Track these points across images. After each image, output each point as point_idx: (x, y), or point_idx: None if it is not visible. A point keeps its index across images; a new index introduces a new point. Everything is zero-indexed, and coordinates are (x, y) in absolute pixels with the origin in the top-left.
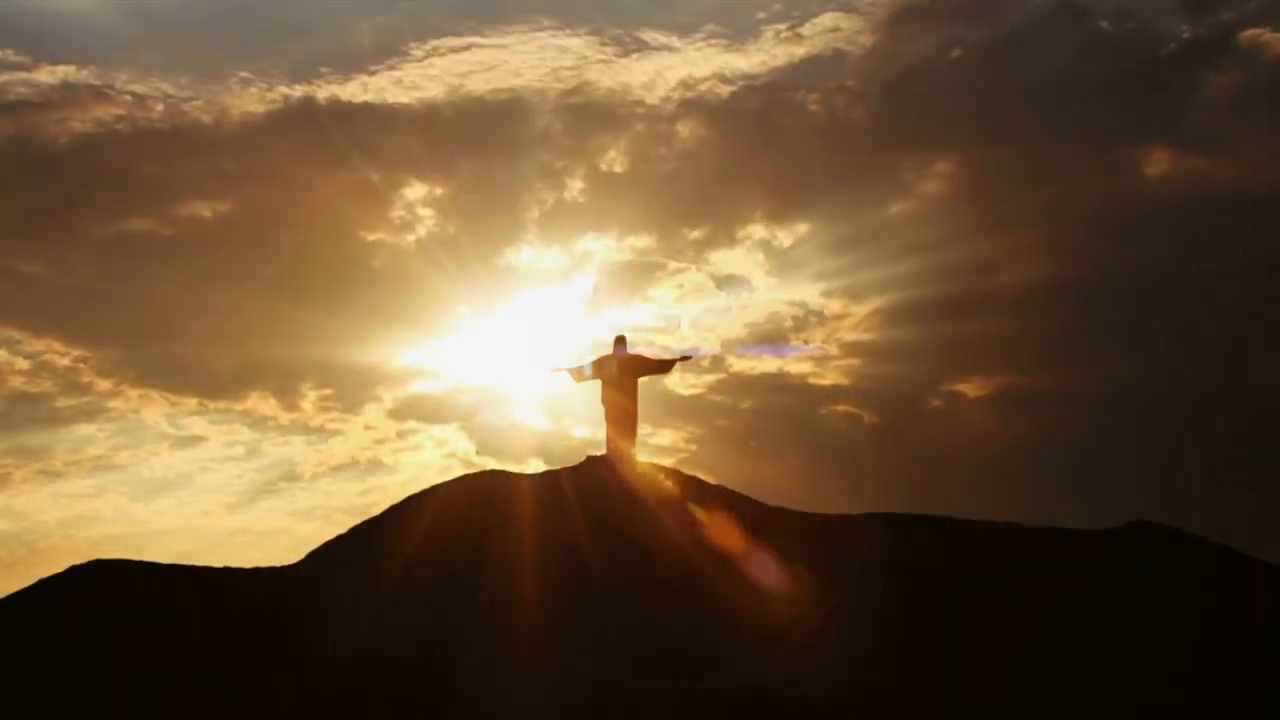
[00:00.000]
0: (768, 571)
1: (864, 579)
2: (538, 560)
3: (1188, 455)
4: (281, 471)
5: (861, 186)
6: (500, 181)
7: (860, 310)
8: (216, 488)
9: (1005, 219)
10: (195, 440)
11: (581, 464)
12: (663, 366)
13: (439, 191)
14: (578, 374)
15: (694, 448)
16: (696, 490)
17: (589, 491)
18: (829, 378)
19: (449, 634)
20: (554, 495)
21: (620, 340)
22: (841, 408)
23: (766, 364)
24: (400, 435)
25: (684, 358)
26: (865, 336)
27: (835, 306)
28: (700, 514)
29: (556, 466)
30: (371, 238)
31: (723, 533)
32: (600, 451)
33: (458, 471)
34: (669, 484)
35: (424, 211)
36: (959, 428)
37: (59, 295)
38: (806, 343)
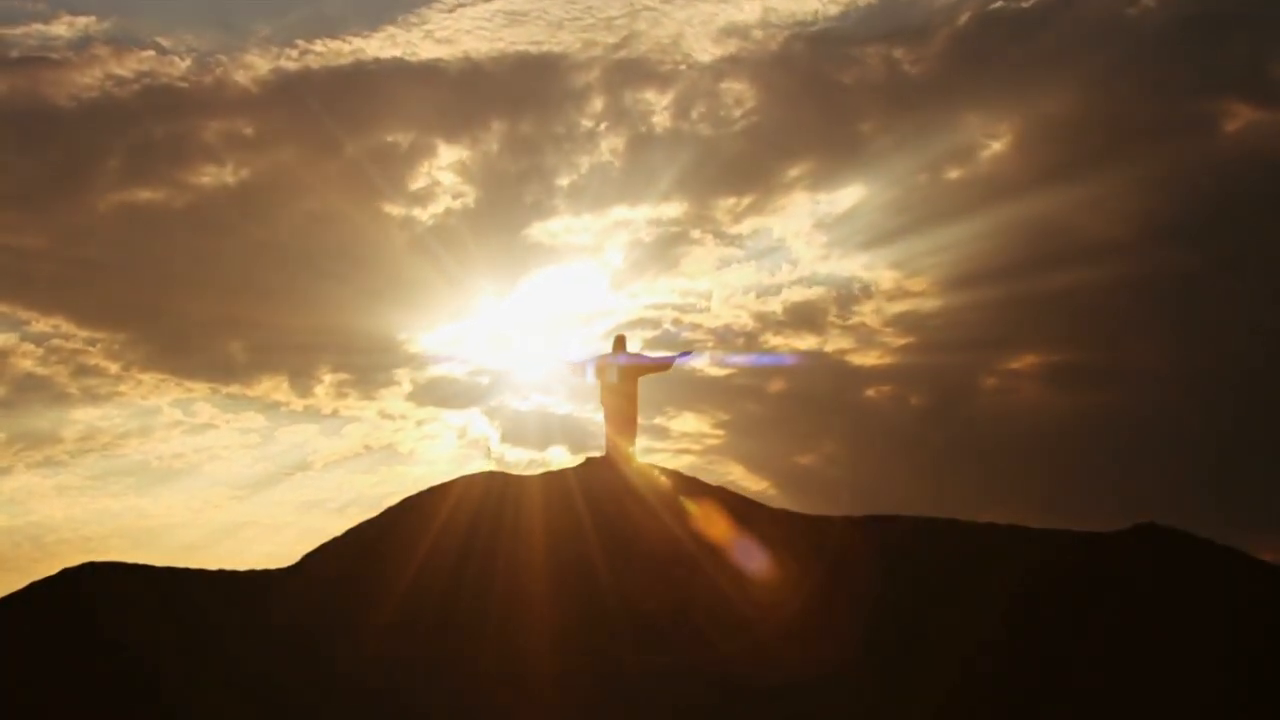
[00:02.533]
0: (760, 573)
1: (854, 580)
2: (539, 561)
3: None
4: (293, 461)
5: (920, 148)
6: (532, 145)
7: (910, 284)
8: (225, 478)
9: (1073, 185)
10: (205, 428)
11: (581, 465)
12: (661, 365)
13: (466, 156)
14: (579, 371)
15: (721, 434)
16: (695, 492)
17: (589, 493)
18: (871, 356)
19: (450, 637)
20: (553, 497)
21: (620, 340)
22: (885, 389)
23: (803, 341)
24: (419, 423)
25: (683, 354)
26: (915, 311)
27: (884, 280)
28: (697, 516)
29: (566, 461)
30: (393, 210)
31: (718, 535)
32: (600, 452)
33: (475, 462)
34: (668, 485)
35: (450, 180)
36: (1013, 409)
37: (66, 271)
38: (847, 319)
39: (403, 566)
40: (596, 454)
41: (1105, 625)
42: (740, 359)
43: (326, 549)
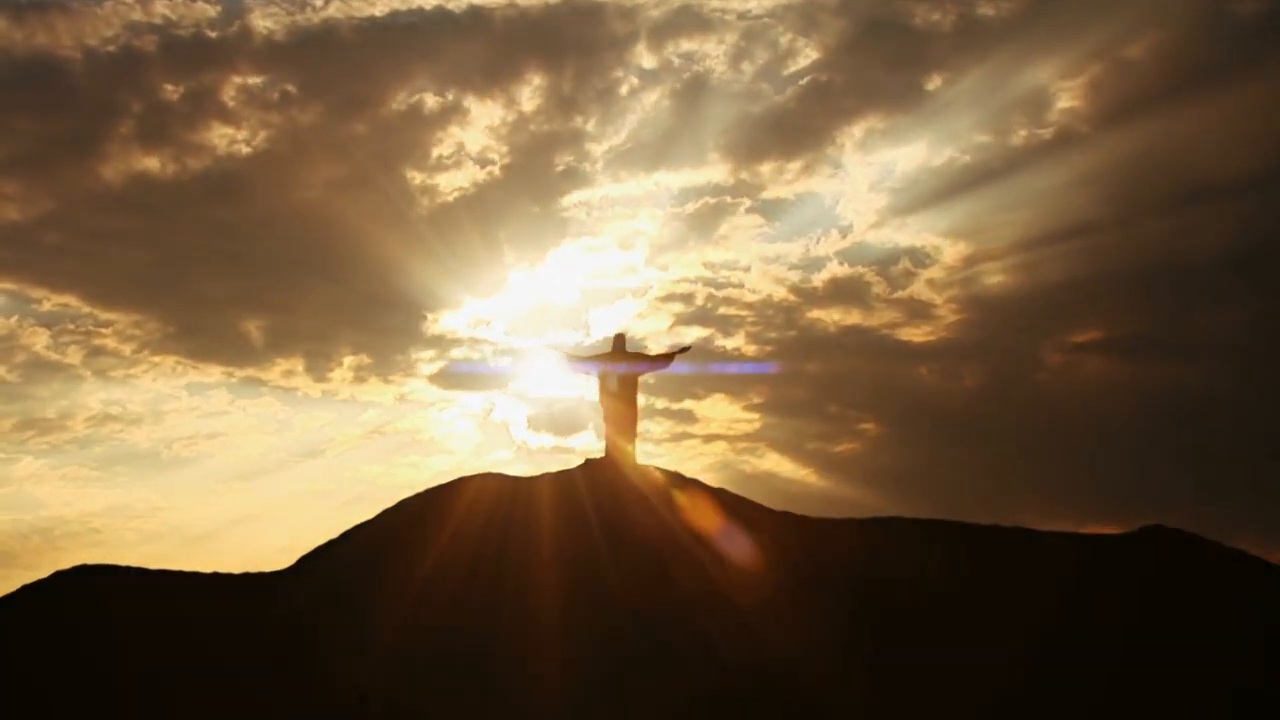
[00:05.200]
0: (749, 567)
1: (848, 579)
2: (538, 561)
3: None
4: (308, 449)
5: (988, 103)
6: (570, 103)
7: (969, 251)
8: (238, 467)
9: (1149, 139)
10: (218, 415)
11: (582, 466)
12: (661, 361)
13: (499, 117)
14: (581, 370)
15: (754, 418)
16: (695, 492)
17: (590, 494)
18: (922, 332)
19: (462, 631)
20: (555, 499)
21: (620, 339)
22: (937, 367)
23: (847, 317)
24: (440, 408)
25: (683, 349)
26: (974, 281)
27: (941, 248)
28: (693, 516)
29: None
30: (421, 179)
31: (713, 536)
32: (599, 453)
33: (497, 452)
34: (667, 486)
35: (481, 144)
36: (1076, 388)
37: (75, 242)
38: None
39: (404, 571)
40: (597, 455)
41: (1103, 624)
42: (722, 367)
43: (322, 552)
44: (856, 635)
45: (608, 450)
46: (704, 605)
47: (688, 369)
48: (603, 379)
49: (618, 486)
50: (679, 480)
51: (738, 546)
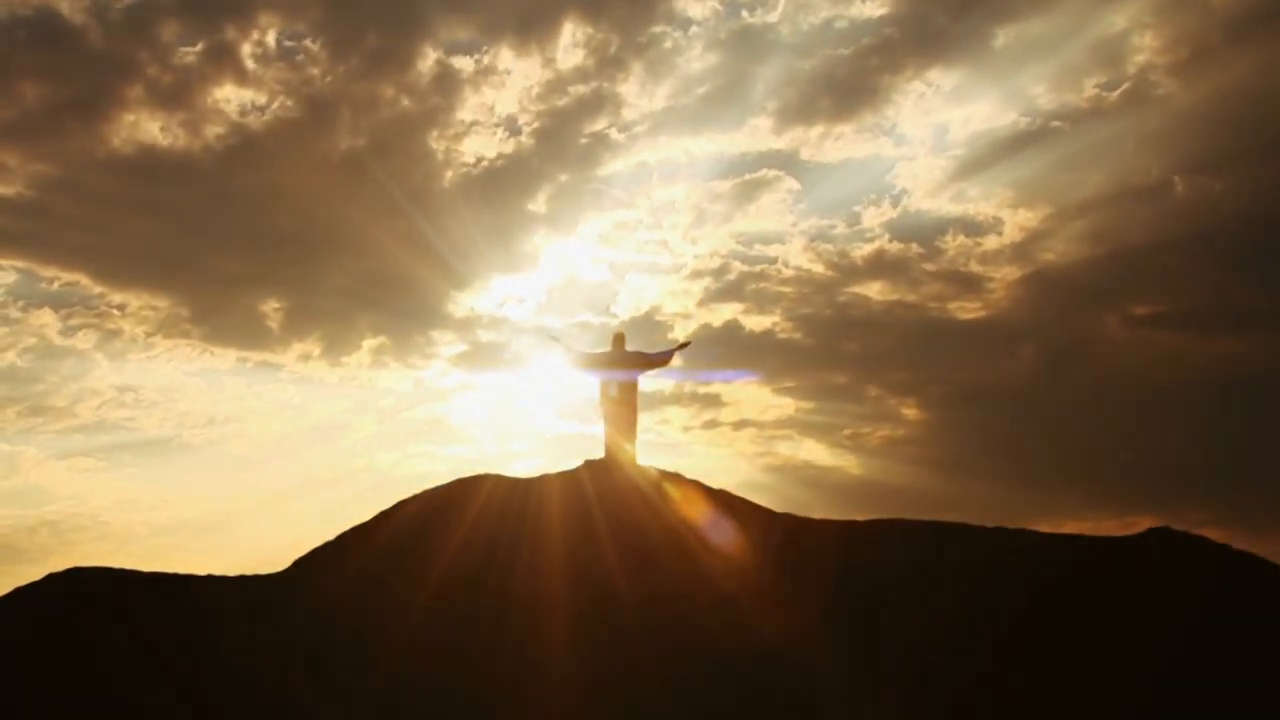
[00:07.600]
0: (741, 565)
1: (848, 582)
2: (535, 563)
3: None
4: (321, 437)
5: (1060, 58)
6: (611, 62)
7: (1028, 220)
8: (249, 458)
9: (1228, 109)
10: (231, 401)
11: (581, 467)
12: (661, 360)
13: (534, 80)
14: (581, 369)
15: (786, 402)
16: (696, 494)
17: (589, 496)
18: (973, 306)
19: (456, 641)
20: (553, 500)
21: (619, 338)
22: (987, 344)
23: (892, 291)
24: (462, 393)
25: (683, 345)
26: (1031, 252)
27: (1004, 220)
28: (690, 516)
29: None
30: (449, 148)
31: (711, 535)
32: (599, 454)
33: (514, 441)
34: (668, 488)
35: (511, 108)
36: (1141, 365)
37: (84, 213)
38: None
39: (401, 588)
40: (597, 457)
41: (1102, 624)
42: (708, 375)
43: (318, 556)
44: (858, 638)
45: (608, 451)
46: (706, 604)
47: (680, 375)
48: (605, 386)
49: (620, 488)
50: (679, 481)
51: (738, 548)
